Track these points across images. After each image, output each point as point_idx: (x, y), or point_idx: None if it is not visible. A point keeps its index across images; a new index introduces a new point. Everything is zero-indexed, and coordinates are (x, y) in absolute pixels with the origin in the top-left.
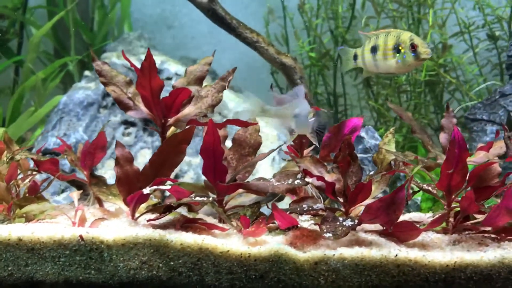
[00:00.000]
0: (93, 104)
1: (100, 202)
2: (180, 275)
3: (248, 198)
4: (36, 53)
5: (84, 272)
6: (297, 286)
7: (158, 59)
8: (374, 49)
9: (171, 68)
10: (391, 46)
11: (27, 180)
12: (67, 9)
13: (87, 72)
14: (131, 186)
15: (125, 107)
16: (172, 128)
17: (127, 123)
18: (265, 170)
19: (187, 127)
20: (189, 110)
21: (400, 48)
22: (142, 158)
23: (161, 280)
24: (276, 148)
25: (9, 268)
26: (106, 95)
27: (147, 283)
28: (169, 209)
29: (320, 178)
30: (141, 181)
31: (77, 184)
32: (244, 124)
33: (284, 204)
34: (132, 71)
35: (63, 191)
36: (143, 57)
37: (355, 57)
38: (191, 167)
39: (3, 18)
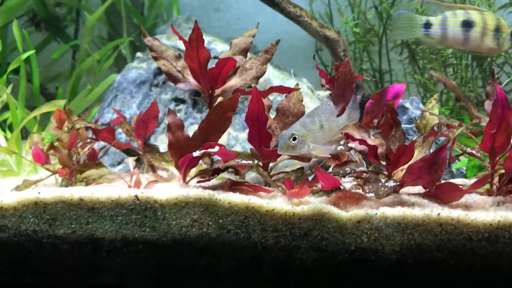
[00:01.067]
0: (145, 82)
1: (153, 169)
2: (228, 232)
3: (290, 169)
4: (91, 36)
5: (140, 230)
6: (340, 244)
7: (205, 39)
8: (467, 24)
9: (218, 47)
10: (492, 27)
11: (86, 148)
12: None
13: (139, 54)
14: (182, 151)
15: (174, 80)
16: (220, 99)
17: (177, 100)
18: None
19: None
20: (235, 82)
21: (501, 31)
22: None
23: (210, 237)
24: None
25: (72, 226)
26: (157, 74)
27: (198, 240)
28: (217, 171)
29: (362, 141)
30: (191, 146)
31: (131, 153)
32: (287, 91)
33: None
34: (182, 52)
35: (119, 163)
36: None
37: (427, 25)
38: (238, 141)
39: (61, 6)
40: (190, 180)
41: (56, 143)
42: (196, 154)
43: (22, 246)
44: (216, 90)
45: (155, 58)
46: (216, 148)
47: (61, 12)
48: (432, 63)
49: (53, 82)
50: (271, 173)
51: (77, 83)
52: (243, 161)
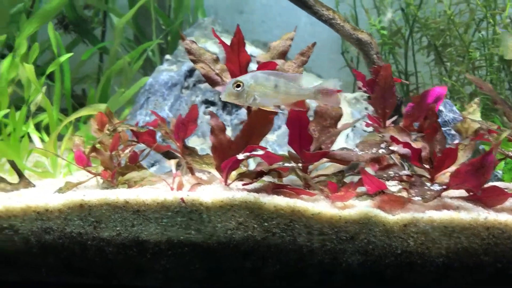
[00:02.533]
0: (176, 84)
1: (192, 171)
2: (273, 235)
3: (327, 171)
4: (121, 38)
5: (185, 232)
6: (387, 248)
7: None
8: None
9: (247, 49)
10: None
11: (127, 150)
12: None
13: (167, 56)
14: (224, 153)
15: (212, 83)
16: None
17: (208, 102)
18: (339, 147)
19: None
20: None
21: None
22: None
23: (256, 240)
24: (360, 119)
25: (117, 228)
26: (187, 76)
27: (243, 242)
28: (260, 174)
29: (406, 145)
30: (233, 149)
31: (169, 155)
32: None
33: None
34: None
35: (153, 164)
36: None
37: None
38: (267, 143)
39: (90, 8)
40: (231, 182)
41: (97, 146)
42: (241, 156)
43: (66, 248)
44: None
45: (194, 61)
46: (262, 151)
47: (89, 15)
48: (460, 65)
49: (79, 84)
50: (313, 176)
51: (107, 85)
52: (286, 164)
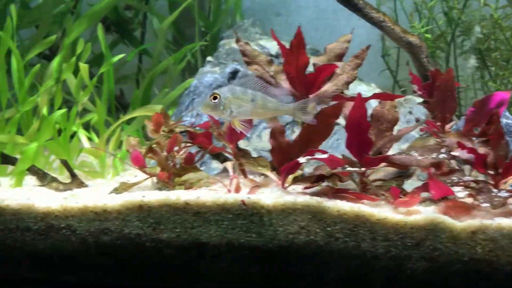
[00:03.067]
0: (220, 87)
1: (244, 173)
2: (336, 240)
3: (378, 175)
4: (164, 39)
5: (246, 235)
6: (453, 255)
7: (274, 44)
8: None
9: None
10: None
11: (182, 151)
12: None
13: (209, 58)
14: (283, 156)
15: None
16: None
17: None
18: None
19: (331, 103)
20: (327, 87)
21: None
22: (267, 137)
23: (318, 245)
24: (421, 123)
25: (177, 230)
26: (230, 78)
27: (305, 247)
28: (321, 178)
29: (471, 150)
30: (291, 152)
31: (220, 157)
32: (390, 97)
33: (408, 184)
34: None
35: (200, 166)
36: (260, 42)
37: None
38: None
39: (131, 9)
40: (288, 186)
41: (154, 146)
42: (302, 160)
43: (124, 249)
44: (310, 96)
45: (248, 63)
46: (325, 155)
47: (129, 16)
48: (503, 70)
49: (116, 84)
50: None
51: (149, 86)
52: (349, 168)
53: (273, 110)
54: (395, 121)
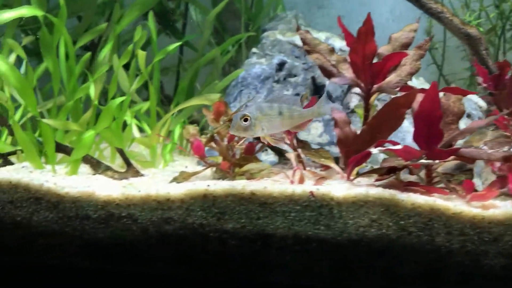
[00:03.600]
0: (268, 78)
1: (303, 165)
2: (409, 234)
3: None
4: (210, 30)
5: (313, 228)
6: None
7: (322, 35)
8: None
9: (336, 44)
10: None
11: (242, 142)
12: None
13: (254, 49)
14: (349, 147)
15: (328, 74)
16: (374, 96)
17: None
18: None
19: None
20: (390, 78)
21: None
22: (314, 131)
23: (390, 238)
24: (495, 117)
25: (242, 221)
26: (277, 70)
27: (376, 241)
28: (393, 170)
29: None
30: (358, 143)
31: (276, 149)
32: (461, 92)
33: None
34: (298, 48)
35: None
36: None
37: None
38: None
39: (173, 0)
40: (354, 178)
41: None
42: (374, 150)
43: (187, 239)
44: (374, 86)
45: (308, 52)
46: (399, 146)
47: (172, 7)
48: None
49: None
50: (433, 175)
51: (194, 77)
52: (422, 161)
53: (299, 117)
54: (460, 114)
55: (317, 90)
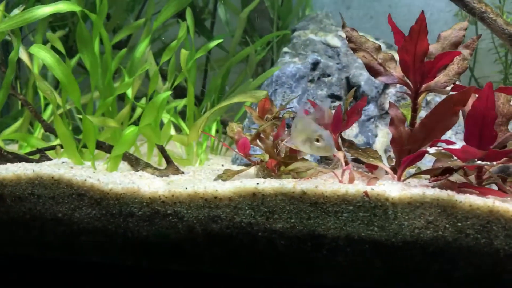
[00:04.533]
0: (303, 77)
1: (347, 164)
2: (467, 237)
3: None
4: (242, 29)
5: (367, 229)
6: None
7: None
8: None
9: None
10: None
11: (287, 139)
12: None
13: (286, 49)
14: (401, 147)
15: (375, 73)
16: (423, 96)
17: (333, 97)
18: None
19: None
20: (439, 78)
21: None
22: (350, 131)
23: (446, 241)
24: None
25: (292, 221)
26: (312, 69)
27: (431, 243)
28: (448, 171)
29: None
30: (410, 143)
31: None
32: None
33: None
34: (331, 48)
35: None
36: (340, 33)
37: None
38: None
39: None
40: (405, 179)
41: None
42: (431, 150)
43: (234, 238)
44: (423, 86)
45: (354, 50)
46: (457, 145)
47: (200, 5)
48: None
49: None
50: (484, 177)
51: (226, 75)
52: (478, 162)
53: None
54: (510, 115)
55: (350, 89)
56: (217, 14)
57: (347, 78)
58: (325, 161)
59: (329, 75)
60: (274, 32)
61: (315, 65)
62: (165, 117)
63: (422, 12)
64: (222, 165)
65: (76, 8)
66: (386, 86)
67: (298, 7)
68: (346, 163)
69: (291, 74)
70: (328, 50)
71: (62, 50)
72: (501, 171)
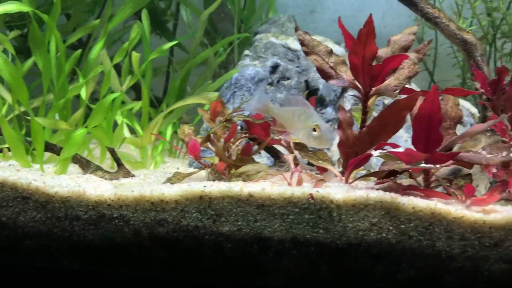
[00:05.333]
0: (262, 80)
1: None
2: (410, 239)
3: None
4: (203, 30)
5: (312, 231)
6: None
7: (316, 38)
8: None
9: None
10: None
11: (238, 142)
12: None
13: (247, 51)
14: (348, 150)
15: (326, 76)
16: (373, 99)
17: None
18: None
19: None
20: (389, 81)
21: None
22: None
23: (389, 243)
24: (494, 121)
25: (239, 223)
26: (271, 72)
27: (375, 245)
28: (393, 174)
29: None
30: (357, 145)
31: (272, 151)
32: (464, 93)
33: None
34: (291, 51)
35: None
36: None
37: None
38: None
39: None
40: (352, 181)
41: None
42: (376, 153)
43: (181, 242)
44: (372, 89)
45: (307, 53)
46: (400, 149)
47: (163, 7)
48: None
49: None
50: (432, 179)
51: (186, 77)
52: (422, 165)
53: None
54: (458, 118)
55: (311, 93)
56: (180, 15)
57: (306, 82)
58: (279, 163)
59: (288, 78)
60: (235, 34)
61: (274, 68)
62: (119, 119)
63: (370, 15)
64: (178, 168)
65: (27, 9)
66: (344, 89)
67: (261, 10)
68: (296, 165)
69: (250, 77)
70: (289, 54)
71: (12, 51)
72: (453, 173)
